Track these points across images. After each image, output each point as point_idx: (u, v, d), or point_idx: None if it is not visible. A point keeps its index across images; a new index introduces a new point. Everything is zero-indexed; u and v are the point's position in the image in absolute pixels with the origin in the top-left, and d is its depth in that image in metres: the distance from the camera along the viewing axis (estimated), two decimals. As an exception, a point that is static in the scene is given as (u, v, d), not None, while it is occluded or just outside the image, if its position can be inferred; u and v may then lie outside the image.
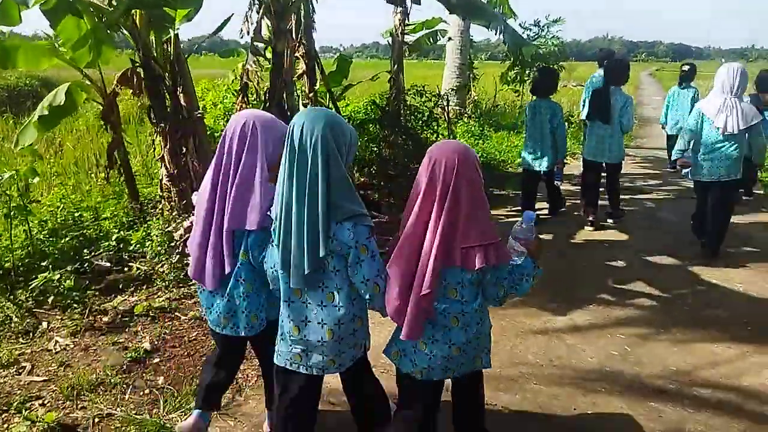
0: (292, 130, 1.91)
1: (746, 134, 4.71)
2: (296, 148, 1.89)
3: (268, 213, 2.08)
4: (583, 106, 7.05)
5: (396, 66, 7.67)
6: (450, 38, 11.15)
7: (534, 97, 5.86)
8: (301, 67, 5.71)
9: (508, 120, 12.33)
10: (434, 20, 12.55)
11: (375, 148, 6.97)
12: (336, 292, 2.01)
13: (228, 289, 2.25)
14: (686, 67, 8.26)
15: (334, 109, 6.90)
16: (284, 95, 5.16)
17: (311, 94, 5.74)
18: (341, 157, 1.93)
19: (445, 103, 8.26)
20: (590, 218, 5.85)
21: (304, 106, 5.89)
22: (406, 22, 7.62)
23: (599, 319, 3.96)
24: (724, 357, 3.47)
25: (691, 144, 4.94)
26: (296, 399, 2.17)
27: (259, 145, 2.14)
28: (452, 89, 11.15)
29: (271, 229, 2.04)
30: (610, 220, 6.06)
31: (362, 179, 6.89)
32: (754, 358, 3.46)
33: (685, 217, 5.93)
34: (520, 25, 12.11)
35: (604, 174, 6.02)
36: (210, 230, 2.22)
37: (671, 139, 8.03)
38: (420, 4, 6.69)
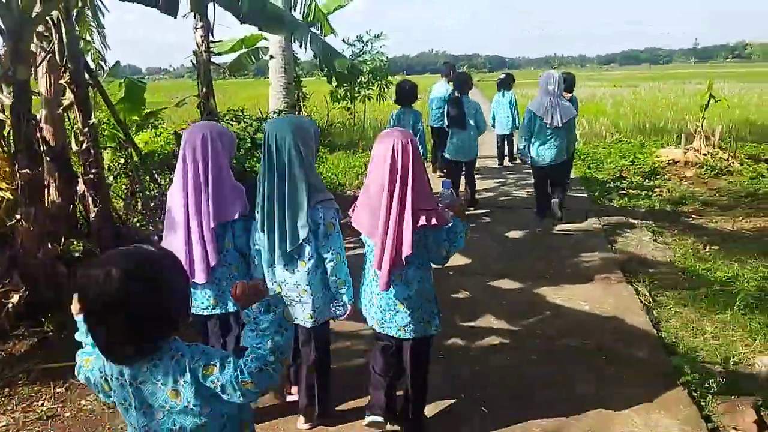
0: (267, 136, 2.43)
1: (568, 126, 6.03)
2: (273, 152, 2.42)
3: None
4: (433, 112, 8.19)
5: (204, 89, 6.67)
6: (272, 56, 10.39)
7: (398, 107, 6.51)
8: (69, 97, 4.52)
9: (343, 139, 11.87)
10: (253, 37, 11.71)
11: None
12: (308, 259, 2.52)
13: (216, 275, 2.61)
14: (503, 76, 9.53)
15: (126, 145, 5.77)
16: (39, 134, 4.00)
17: (86, 129, 4.57)
18: (310, 150, 2.48)
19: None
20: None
21: (77, 143, 4.70)
22: (211, 39, 6.65)
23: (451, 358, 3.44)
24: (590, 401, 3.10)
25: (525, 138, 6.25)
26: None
27: (221, 150, 2.56)
28: (277, 111, 10.39)
29: (256, 216, 2.54)
30: (471, 208, 6.94)
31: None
32: (618, 399, 3.12)
33: (521, 227, 6.38)
34: (343, 41, 11.80)
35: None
36: (189, 232, 2.54)
37: (501, 138, 9.79)
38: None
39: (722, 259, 5.15)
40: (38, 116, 4.69)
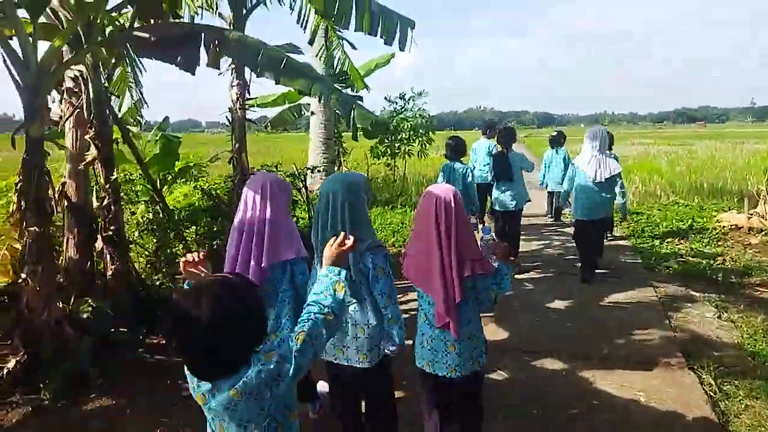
0: (322, 193, 2.69)
1: (611, 181, 6.06)
2: (327, 204, 2.62)
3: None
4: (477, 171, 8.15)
5: (237, 145, 6.60)
6: (312, 112, 10.44)
7: (447, 161, 6.59)
8: (92, 152, 4.44)
9: (383, 194, 11.65)
10: (294, 93, 11.88)
11: (213, 244, 5.72)
12: (363, 301, 2.65)
13: (276, 312, 2.80)
14: (554, 133, 9.65)
15: (155, 200, 5.67)
16: (61, 189, 3.88)
17: (108, 185, 4.45)
18: (360, 203, 2.65)
19: (301, 183, 7.27)
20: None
21: (98, 199, 4.59)
22: (247, 96, 6.62)
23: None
24: None
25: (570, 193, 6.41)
26: (344, 386, 2.77)
27: (278, 197, 2.83)
28: (317, 167, 10.33)
29: (315, 261, 2.73)
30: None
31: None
32: None
33: (566, 296, 5.84)
34: (385, 98, 11.77)
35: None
36: (247, 264, 2.76)
37: (551, 195, 9.77)
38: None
39: (800, 342, 4.48)
40: (64, 171, 4.67)
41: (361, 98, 6.31)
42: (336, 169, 11.62)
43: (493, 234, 2.78)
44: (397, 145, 11.29)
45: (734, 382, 3.88)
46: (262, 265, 2.73)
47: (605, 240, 7.62)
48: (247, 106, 6.62)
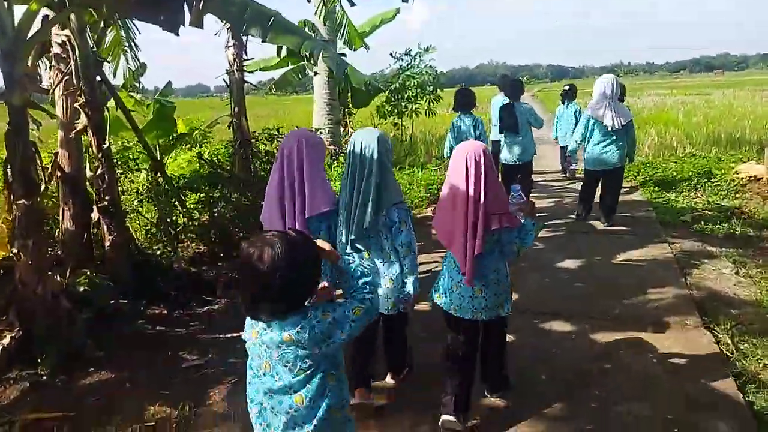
0: (353, 144, 2.84)
1: (626, 129, 5.94)
2: (357, 157, 2.80)
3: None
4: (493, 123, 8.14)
5: (237, 109, 6.41)
6: (316, 72, 10.13)
7: (458, 113, 6.62)
8: (83, 120, 4.29)
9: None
10: (286, 58, 11.54)
11: (214, 212, 5.60)
12: (389, 251, 2.87)
13: None
14: (567, 87, 9.36)
15: (154, 168, 5.53)
16: (55, 159, 3.75)
17: (100, 154, 4.31)
18: (389, 158, 2.86)
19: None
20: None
21: (92, 168, 4.46)
22: (244, 56, 6.39)
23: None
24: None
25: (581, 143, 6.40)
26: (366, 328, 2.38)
27: (313, 152, 2.90)
28: (320, 129, 10.12)
29: (340, 211, 2.90)
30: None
31: (199, 249, 5.50)
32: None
33: (578, 255, 5.68)
34: (390, 54, 11.38)
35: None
36: (285, 218, 2.88)
37: (564, 150, 9.28)
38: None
39: (823, 298, 4.31)
40: (57, 140, 4.53)
41: (344, 55, 6.08)
42: (342, 130, 11.37)
43: (521, 192, 2.83)
44: (403, 104, 10.96)
45: (752, 341, 3.74)
46: (306, 216, 2.86)
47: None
48: (246, 68, 6.40)
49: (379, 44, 11.60)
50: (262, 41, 3.45)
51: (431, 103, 11.19)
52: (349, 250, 2.90)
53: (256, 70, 11.43)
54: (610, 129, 5.92)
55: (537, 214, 2.91)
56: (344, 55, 9.92)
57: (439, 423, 2.85)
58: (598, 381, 3.37)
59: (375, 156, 2.75)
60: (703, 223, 6.52)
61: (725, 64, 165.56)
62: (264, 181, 6.45)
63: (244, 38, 6.24)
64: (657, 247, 5.76)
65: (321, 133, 9.60)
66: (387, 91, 11.13)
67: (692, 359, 3.56)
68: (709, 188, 8.14)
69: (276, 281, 1.64)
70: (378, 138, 2.81)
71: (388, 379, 3.37)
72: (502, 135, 6.98)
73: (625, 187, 8.90)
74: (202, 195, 5.69)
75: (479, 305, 2.80)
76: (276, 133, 6.82)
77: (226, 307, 4.62)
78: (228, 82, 6.41)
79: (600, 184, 6.56)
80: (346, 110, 11.33)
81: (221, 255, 5.30)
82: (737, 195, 7.75)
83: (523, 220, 2.74)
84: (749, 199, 7.56)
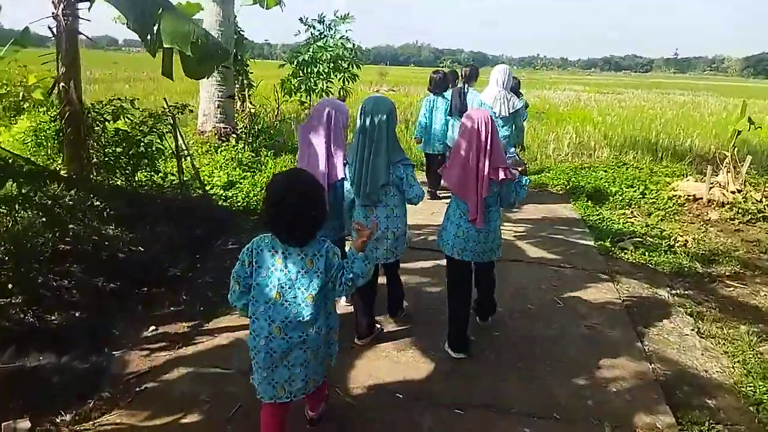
0: (365, 109, 3.27)
1: (513, 117, 6.14)
2: (368, 118, 3.24)
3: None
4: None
5: (65, 70, 4.60)
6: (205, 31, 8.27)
7: (431, 94, 7.31)
8: None
9: (294, 140, 9.79)
10: (188, 6, 9.55)
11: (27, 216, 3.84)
12: (394, 207, 3.39)
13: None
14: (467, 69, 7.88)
15: None
16: None
17: None
18: (394, 122, 3.31)
19: (167, 127, 5.38)
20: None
21: None
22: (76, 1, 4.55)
23: None
24: None
25: None
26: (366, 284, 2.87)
27: (336, 121, 3.38)
28: (188, 105, 8.36)
29: (350, 169, 3.37)
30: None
31: None
32: None
33: (507, 307, 4.30)
34: (300, 20, 9.67)
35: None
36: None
37: None
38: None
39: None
40: None
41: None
42: (239, 105, 9.59)
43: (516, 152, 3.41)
44: (313, 79, 9.32)
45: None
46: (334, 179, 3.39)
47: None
48: (77, 10, 4.58)
49: (301, 13, 9.89)
50: None
51: (346, 81, 9.64)
52: (362, 205, 3.37)
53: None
54: (498, 115, 5.98)
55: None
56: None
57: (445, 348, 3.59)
58: None
59: (384, 118, 3.23)
60: (646, 253, 5.59)
61: (632, 66, 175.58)
62: (104, 179, 4.76)
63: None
64: (602, 288, 4.71)
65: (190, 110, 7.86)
66: (293, 63, 9.44)
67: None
68: (645, 206, 7.33)
69: (311, 208, 2.19)
70: (387, 103, 3.31)
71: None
72: (450, 118, 7.11)
73: (553, 194, 7.98)
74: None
75: (480, 249, 3.39)
76: (125, 105, 5.08)
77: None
78: (54, 31, 4.57)
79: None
80: (245, 81, 9.51)
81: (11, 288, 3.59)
82: (676, 216, 6.97)
83: (517, 176, 3.33)
84: (690, 222, 6.79)
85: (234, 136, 8.34)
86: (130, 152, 5.05)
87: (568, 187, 8.19)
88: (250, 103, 9.55)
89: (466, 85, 7.04)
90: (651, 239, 6.13)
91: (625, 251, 5.71)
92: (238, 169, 7.36)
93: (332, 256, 2.28)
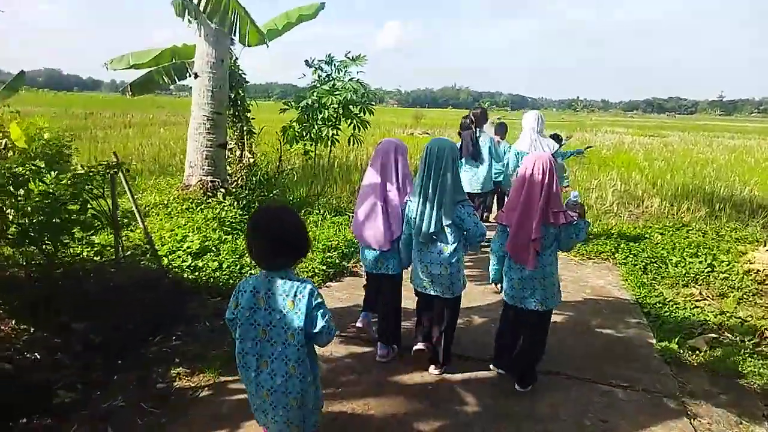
0: (430, 150, 3.40)
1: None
2: (434, 160, 3.38)
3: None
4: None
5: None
6: (196, 74, 7.38)
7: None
8: None
9: (296, 194, 8.67)
10: (184, 49, 8.73)
11: None
12: (450, 244, 3.43)
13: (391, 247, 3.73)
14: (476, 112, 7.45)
15: None
16: None
17: None
18: (456, 164, 3.44)
19: (99, 190, 4.31)
20: None
21: None
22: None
23: None
24: None
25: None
26: (425, 310, 3.67)
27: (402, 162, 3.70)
28: (197, 150, 7.36)
29: (410, 206, 3.53)
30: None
31: None
32: None
33: None
34: (306, 62, 8.71)
35: None
36: (380, 211, 3.66)
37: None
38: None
39: None
40: None
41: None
42: (238, 154, 8.60)
43: (577, 196, 3.44)
44: (318, 126, 8.28)
45: None
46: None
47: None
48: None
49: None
50: None
51: (357, 128, 8.57)
52: (428, 249, 3.49)
53: (130, 67, 8.62)
54: None
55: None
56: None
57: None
58: None
59: (449, 159, 3.38)
60: (726, 360, 4.14)
61: (675, 108, 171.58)
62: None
63: None
64: (672, 427, 3.29)
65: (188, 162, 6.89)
66: (298, 108, 8.44)
67: None
68: (716, 282, 5.84)
69: (289, 236, 2.31)
70: (450, 144, 3.47)
71: (432, 370, 3.79)
72: (462, 162, 6.87)
73: (599, 264, 6.57)
74: None
75: (536, 296, 3.41)
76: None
77: None
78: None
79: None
80: (244, 128, 8.54)
81: None
82: (758, 299, 5.46)
83: (576, 219, 3.37)
84: (776, 308, 5.28)
85: (222, 190, 7.29)
86: (53, 220, 3.98)
87: (616, 254, 6.76)
88: (249, 152, 8.53)
89: (477, 129, 6.96)
90: (730, 334, 4.66)
91: (698, 352, 4.28)
92: (219, 230, 6.25)
93: (314, 298, 2.31)
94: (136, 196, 7.85)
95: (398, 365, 3.88)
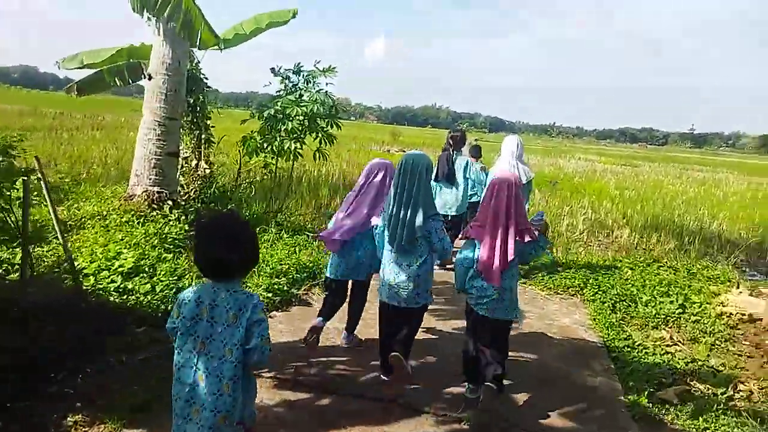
0: (404, 164, 3.48)
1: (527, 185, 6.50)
2: (408, 173, 3.45)
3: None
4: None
5: None
6: (150, 75, 6.87)
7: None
8: None
9: (253, 209, 8.16)
10: (143, 48, 8.22)
11: None
12: (419, 257, 3.52)
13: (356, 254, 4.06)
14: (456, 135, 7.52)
15: None
16: None
17: None
18: (430, 178, 3.57)
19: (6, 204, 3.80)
20: None
21: None
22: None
23: None
24: None
25: None
26: (389, 323, 3.69)
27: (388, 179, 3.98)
28: (144, 158, 6.83)
29: (383, 218, 3.65)
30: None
31: None
32: None
33: None
34: (272, 70, 8.27)
35: None
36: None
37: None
38: None
39: None
40: None
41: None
42: (194, 164, 8.08)
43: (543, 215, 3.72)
44: (280, 139, 7.82)
45: None
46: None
47: None
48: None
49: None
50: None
51: (323, 143, 8.15)
52: (398, 260, 3.56)
53: (83, 67, 8.07)
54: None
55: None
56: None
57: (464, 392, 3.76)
58: None
59: (423, 174, 3.47)
60: (699, 417, 3.79)
61: (647, 138, 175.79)
62: None
63: None
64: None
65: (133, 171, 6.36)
66: (260, 118, 7.98)
67: None
68: (687, 326, 5.52)
69: (243, 246, 2.24)
70: (425, 159, 3.55)
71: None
72: (437, 183, 6.82)
73: (566, 300, 6.22)
74: None
75: (493, 305, 3.47)
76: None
77: None
78: None
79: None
80: (202, 136, 8.02)
81: None
82: (730, 345, 5.16)
83: (538, 237, 3.52)
84: (748, 356, 4.98)
85: (170, 203, 6.75)
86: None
87: (585, 290, 6.42)
88: (207, 162, 8.02)
89: (454, 152, 6.90)
90: (701, 385, 4.33)
91: (668, 407, 3.92)
92: (159, 247, 5.71)
93: (256, 313, 2.23)
94: (75, 205, 7.33)
95: (336, 419, 3.41)
